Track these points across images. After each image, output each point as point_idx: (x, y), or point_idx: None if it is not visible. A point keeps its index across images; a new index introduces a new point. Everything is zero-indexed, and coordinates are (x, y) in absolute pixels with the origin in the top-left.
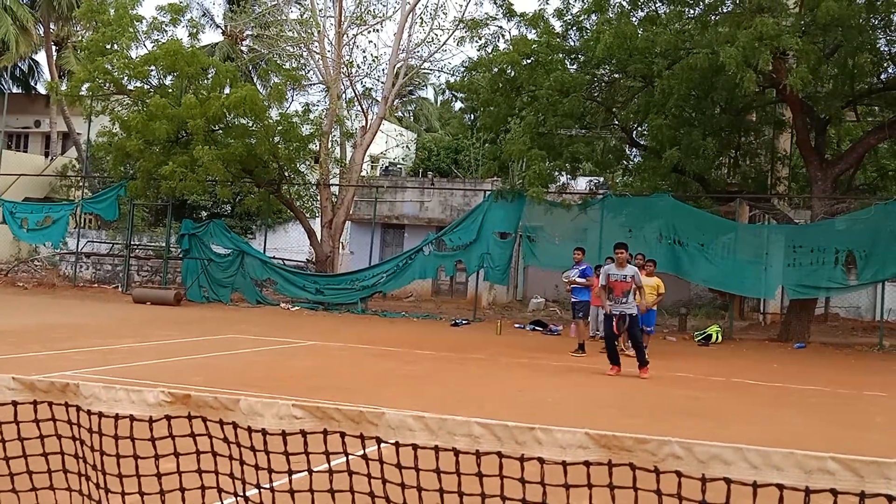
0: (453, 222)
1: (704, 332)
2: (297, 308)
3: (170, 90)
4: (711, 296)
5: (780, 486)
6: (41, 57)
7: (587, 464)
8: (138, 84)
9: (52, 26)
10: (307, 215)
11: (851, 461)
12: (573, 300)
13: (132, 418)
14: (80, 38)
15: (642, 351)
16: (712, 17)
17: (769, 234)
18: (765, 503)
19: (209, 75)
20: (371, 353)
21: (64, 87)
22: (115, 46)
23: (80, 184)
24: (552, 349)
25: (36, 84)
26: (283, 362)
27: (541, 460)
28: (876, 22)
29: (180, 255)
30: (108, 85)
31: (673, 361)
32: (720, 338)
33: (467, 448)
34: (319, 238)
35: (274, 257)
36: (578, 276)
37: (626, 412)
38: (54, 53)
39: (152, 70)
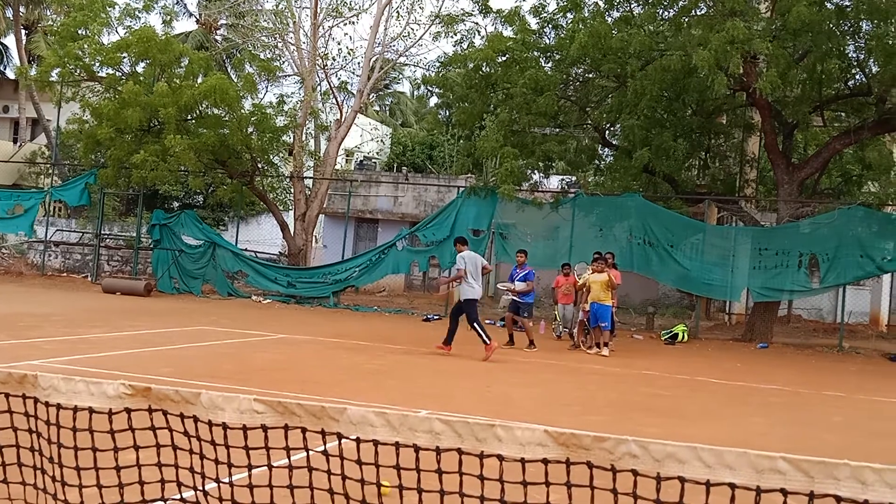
0: (427, 218)
1: (671, 331)
2: (268, 301)
3: (142, 78)
4: (679, 295)
5: (732, 486)
6: (10, 41)
7: (545, 461)
8: (110, 71)
9: (21, 10)
10: (280, 208)
11: (801, 461)
12: (517, 300)
13: (91, 410)
14: (50, 22)
15: (477, 330)
16: (685, 20)
17: (736, 235)
18: (717, 501)
19: (182, 64)
20: (341, 347)
21: (33, 73)
22: (87, 32)
23: (50, 171)
24: (521, 345)
25: (5, 69)
26: (253, 355)
27: (500, 457)
28: (845, 28)
29: (151, 246)
30: (78, 71)
31: (639, 359)
32: (686, 337)
33: (428, 444)
34: (292, 231)
35: (246, 249)
36: (519, 281)
37: (590, 409)
38: (24, 38)
39: (124, 57)
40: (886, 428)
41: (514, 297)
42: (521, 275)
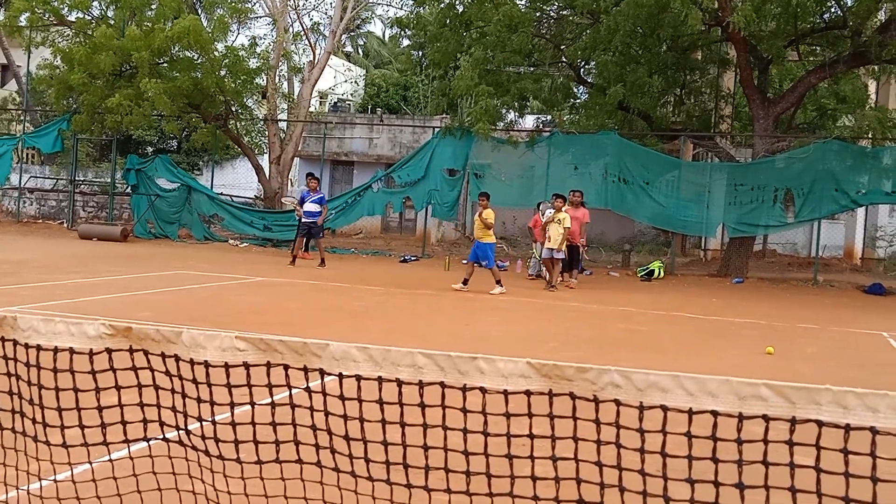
0: (402, 159)
1: (647, 268)
2: (245, 244)
3: (112, 21)
4: (655, 232)
5: (715, 413)
6: None
7: (528, 393)
8: (79, 15)
9: None
10: (255, 151)
11: (783, 387)
12: (307, 222)
13: (72, 351)
14: None
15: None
16: None
17: (712, 171)
18: (700, 430)
19: (153, 6)
20: (319, 289)
21: (1, 18)
22: None
23: (21, 117)
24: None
25: None
26: (231, 298)
27: (483, 390)
28: None
29: (127, 191)
30: (47, 15)
31: (616, 296)
32: (662, 273)
33: (410, 378)
34: (268, 174)
35: (221, 193)
36: (314, 202)
37: (568, 345)
38: None
39: (94, 0)
40: (860, 358)
41: (306, 220)
42: (314, 198)
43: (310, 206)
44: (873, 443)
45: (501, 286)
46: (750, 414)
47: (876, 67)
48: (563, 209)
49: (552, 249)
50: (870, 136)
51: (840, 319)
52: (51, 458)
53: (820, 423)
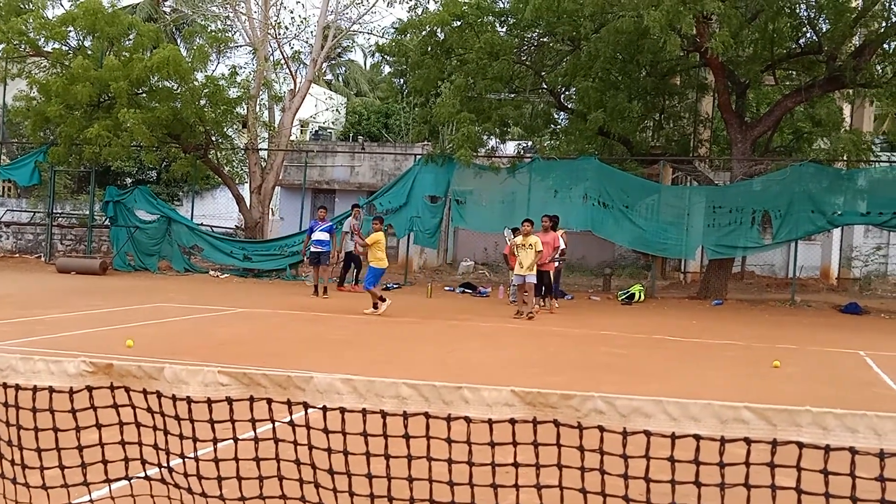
0: (384, 187)
1: (628, 292)
2: (226, 276)
3: (90, 52)
4: (635, 256)
5: (697, 437)
6: None
7: (513, 421)
8: (56, 45)
9: None
10: (235, 181)
11: (764, 410)
12: (317, 251)
13: (51, 390)
14: None
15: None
16: None
17: (691, 195)
18: (682, 454)
19: (131, 36)
20: (301, 319)
21: None
22: (31, 6)
23: None
24: (481, 311)
25: None
26: (213, 330)
27: (467, 419)
28: None
29: (106, 224)
30: (23, 46)
31: (597, 320)
32: (643, 297)
33: (395, 409)
34: (248, 204)
35: (202, 224)
36: (325, 231)
37: (551, 370)
38: None
39: (70, 31)
40: (838, 377)
41: (315, 249)
42: (323, 226)
43: (318, 235)
44: (853, 463)
45: (376, 308)
46: (732, 437)
47: (850, 91)
48: (532, 234)
49: (523, 276)
50: (845, 158)
51: (818, 339)
52: (30, 500)
53: (800, 445)
